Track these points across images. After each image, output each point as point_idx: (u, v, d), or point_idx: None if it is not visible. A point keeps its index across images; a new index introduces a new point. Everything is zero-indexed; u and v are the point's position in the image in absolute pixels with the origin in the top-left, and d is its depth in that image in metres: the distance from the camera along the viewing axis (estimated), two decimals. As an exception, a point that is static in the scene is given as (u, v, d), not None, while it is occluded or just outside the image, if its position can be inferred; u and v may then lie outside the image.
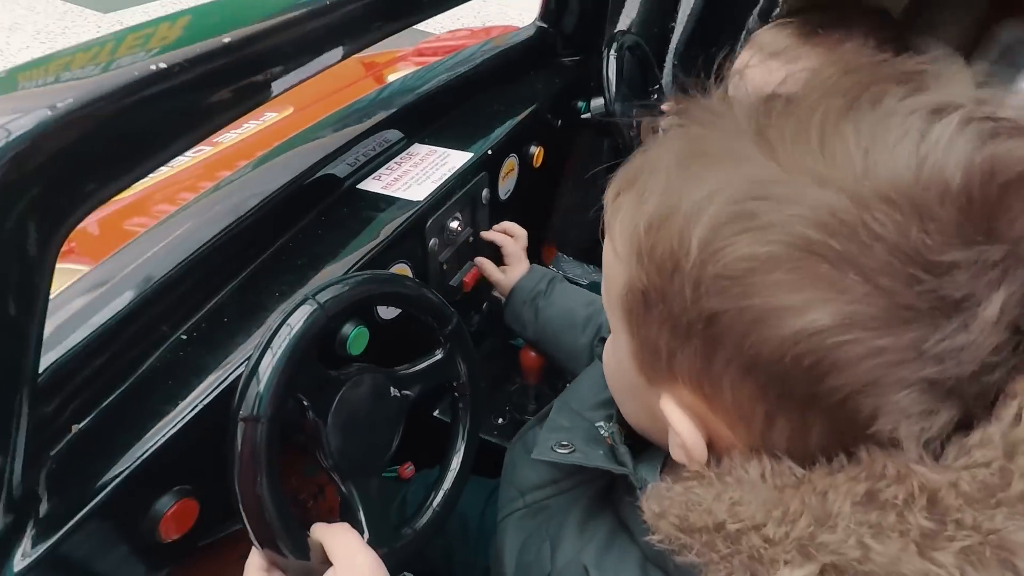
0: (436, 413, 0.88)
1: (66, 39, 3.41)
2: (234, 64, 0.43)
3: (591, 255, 1.35)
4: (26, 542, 0.39)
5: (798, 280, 0.26)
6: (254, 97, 0.47)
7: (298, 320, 0.45)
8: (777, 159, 0.28)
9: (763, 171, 0.28)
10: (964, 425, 0.28)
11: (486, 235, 0.83)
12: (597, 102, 0.96)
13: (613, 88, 0.91)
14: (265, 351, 0.44)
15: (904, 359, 0.26)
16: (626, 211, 0.33)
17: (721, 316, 0.28)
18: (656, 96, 1.10)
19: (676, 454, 0.35)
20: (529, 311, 0.78)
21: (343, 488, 0.48)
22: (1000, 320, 0.26)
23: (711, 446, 0.33)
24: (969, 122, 0.26)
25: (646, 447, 0.44)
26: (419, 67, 1.15)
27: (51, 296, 0.38)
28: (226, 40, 0.42)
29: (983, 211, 0.25)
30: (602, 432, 0.47)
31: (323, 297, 0.46)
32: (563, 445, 0.46)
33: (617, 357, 0.38)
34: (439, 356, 0.56)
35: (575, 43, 1.08)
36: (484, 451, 0.88)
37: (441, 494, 0.56)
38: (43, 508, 0.41)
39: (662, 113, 1.07)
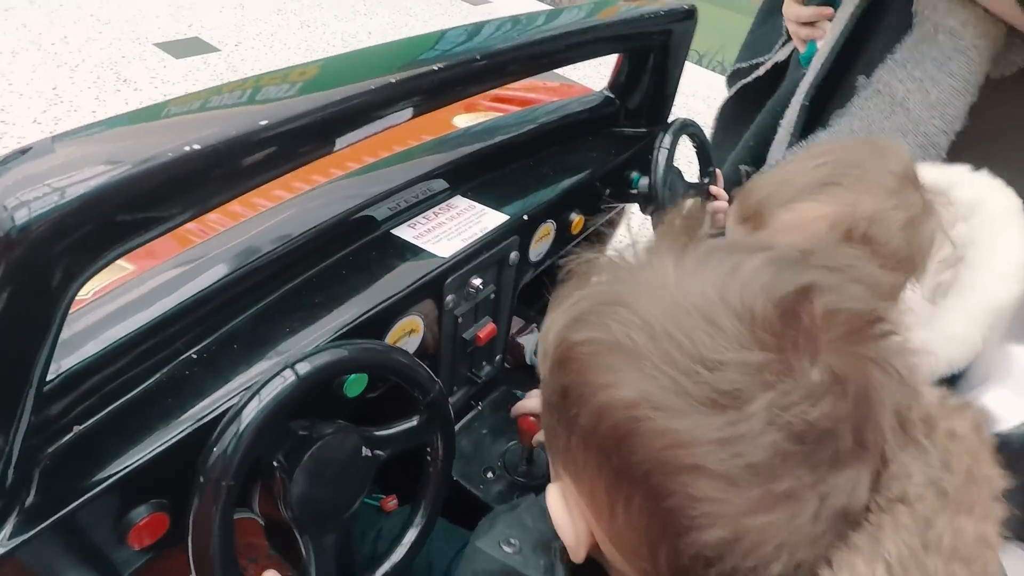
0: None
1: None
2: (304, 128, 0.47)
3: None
4: (6, 530, 0.43)
5: (617, 363, 0.32)
6: (316, 153, 0.51)
7: (273, 389, 0.48)
8: (634, 280, 0.35)
9: (618, 288, 0.35)
10: None
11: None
12: (645, 181, 0.96)
13: (661, 171, 0.91)
14: (238, 415, 0.47)
15: (689, 442, 0.30)
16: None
17: (569, 389, 0.34)
18: (708, 180, 1.10)
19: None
20: None
21: (299, 539, 0.50)
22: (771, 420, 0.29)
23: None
24: (774, 260, 0.33)
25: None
26: (488, 113, 1.19)
27: (87, 297, 0.42)
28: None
29: (763, 326, 0.30)
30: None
31: (302, 368, 0.48)
32: (511, 544, 0.48)
33: None
34: (416, 422, 0.58)
35: (638, 116, 1.10)
36: (465, 502, 0.89)
37: (387, 566, 0.57)
38: (29, 500, 0.45)
39: (709, 195, 1.07)
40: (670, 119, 1.11)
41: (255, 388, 0.48)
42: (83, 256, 0.40)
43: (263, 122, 0.45)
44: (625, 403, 0.31)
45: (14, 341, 0.40)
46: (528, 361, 1.39)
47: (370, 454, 0.55)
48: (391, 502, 0.75)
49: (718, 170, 1.10)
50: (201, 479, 0.46)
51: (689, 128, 0.98)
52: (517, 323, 1.45)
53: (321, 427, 0.52)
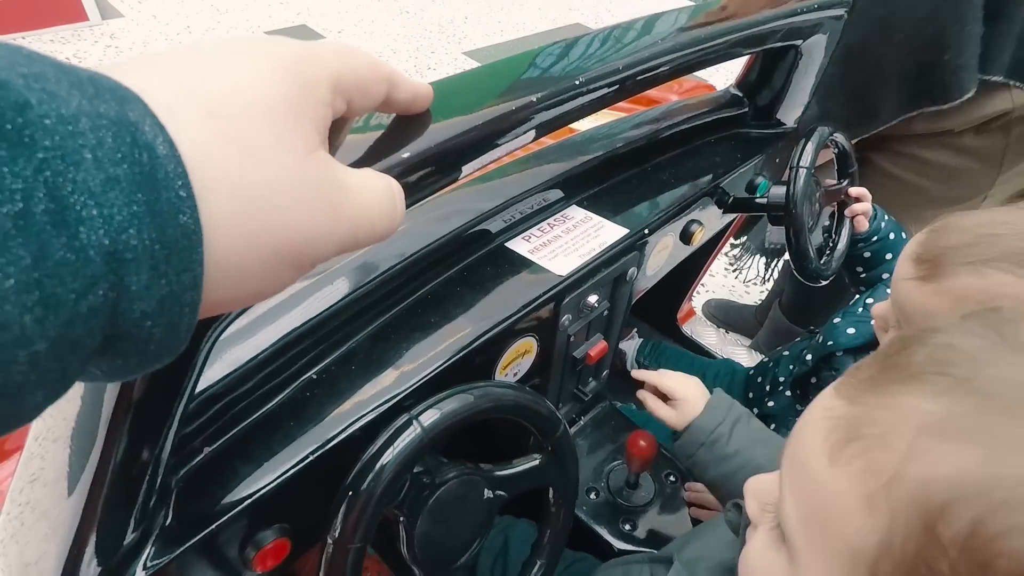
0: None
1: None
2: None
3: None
4: (146, 556, 0.44)
5: None
6: (447, 179, 0.48)
7: (400, 443, 0.46)
8: None
9: None
10: None
11: (644, 390, 0.77)
12: (778, 191, 0.88)
13: (801, 183, 0.83)
14: (364, 475, 0.46)
15: None
16: (900, 454, 0.27)
17: None
18: (848, 182, 1.00)
19: None
20: (706, 454, 0.70)
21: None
22: None
23: None
24: None
25: None
26: (607, 114, 1.13)
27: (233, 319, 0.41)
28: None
29: None
30: None
31: (426, 420, 0.46)
32: None
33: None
34: (539, 461, 0.55)
35: (767, 116, 1.00)
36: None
37: None
38: (167, 524, 0.46)
39: (847, 197, 0.96)
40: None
41: (378, 447, 0.46)
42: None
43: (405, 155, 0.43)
44: None
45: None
46: (628, 367, 1.34)
47: (492, 495, 0.52)
48: None
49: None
50: (330, 543, 0.45)
51: (836, 134, 0.88)
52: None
53: (444, 471, 0.50)
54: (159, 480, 0.43)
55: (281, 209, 0.22)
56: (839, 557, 0.29)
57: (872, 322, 0.71)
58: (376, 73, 0.28)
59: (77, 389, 0.38)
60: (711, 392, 0.74)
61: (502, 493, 0.53)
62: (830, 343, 0.92)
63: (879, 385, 0.29)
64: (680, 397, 0.73)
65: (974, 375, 0.27)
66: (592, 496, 0.89)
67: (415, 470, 0.49)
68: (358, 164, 0.36)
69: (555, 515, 0.57)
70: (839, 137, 0.89)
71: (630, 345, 1.36)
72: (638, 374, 0.78)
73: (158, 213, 0.18)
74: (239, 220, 0.21)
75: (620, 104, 1.10)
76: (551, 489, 0.56)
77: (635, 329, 1.42)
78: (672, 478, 0.91)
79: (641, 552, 0.78)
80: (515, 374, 0.71)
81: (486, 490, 0.52)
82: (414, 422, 0.46)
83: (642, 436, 0.82)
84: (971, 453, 0.25)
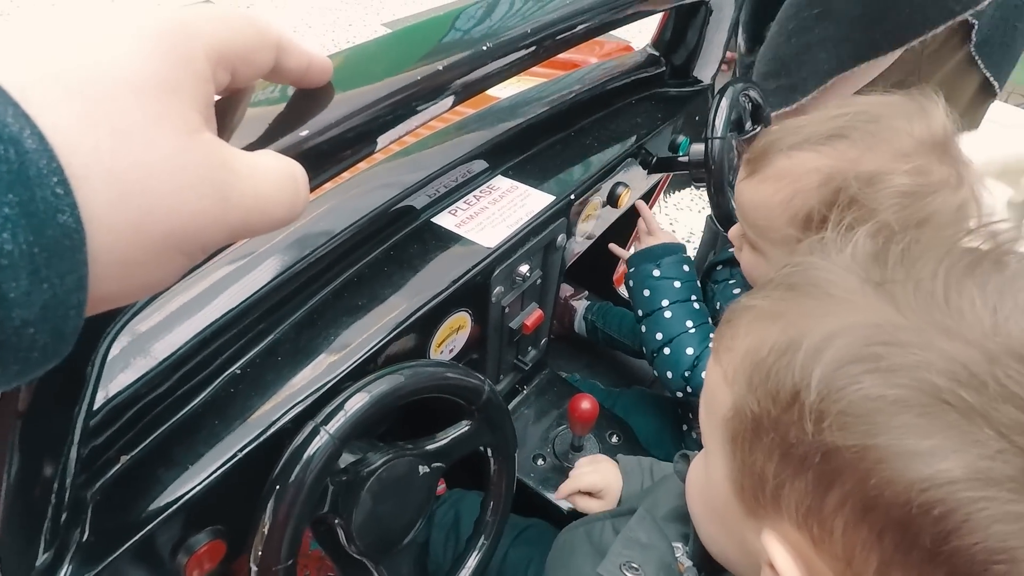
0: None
1: None
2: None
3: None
4: (64, 572, 0.42)
5: (927, 426, 0.26)
6: (359, 156, 0.46)
7: (308, 454, 0.45)
8: (900, 309, 0.29)
9: (887, 318, 0.29)
10: None
11: (572, 498, 0.79)
12: (698, 148, 0.89)
13: (718, 142, 0.84)
14: (280, 497, 0.44)
15: None
16: (739, 337, 0.35)
17: (842, 451, 0.28)
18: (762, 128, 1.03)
19: None
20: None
21: (375, 572, 0.48)
22: None
23: None
24: None
25: (720, 572, 0.43)
26: (524, 79, 1.11)
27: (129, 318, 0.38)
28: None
29: None
30: (678, 556, 0.47)
31: (332, 428, 0.45)
32: (633, 569, 0.46)
33: (710, 479, 0.38)
34: (468, 427, 0.55)
35: (684, 75, 1.02)
36: (517, 490, 0.87)
37: (467, 572, 0.55)
38: (84, 540, 0.43)
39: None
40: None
41: (283, 463, 0.45)
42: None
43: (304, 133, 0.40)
44: (952, 479, 0.25)
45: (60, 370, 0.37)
46: (576, 328, 1.36)
47: (429, 469, 0.52)
48: (439, 485, 0.74)
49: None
50: (255, 568, 0.44)
51: (749, 89, 0.90)
52: (566, 289, 1.41)
53: (369, 460, 0.49)
54: (67, 495, 0.40)
55: (163, 195, 0.20)
56: (719, 431, 0.36)
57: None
58: (261, 39, 0.26)
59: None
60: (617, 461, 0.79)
61: (439, 464, 0.53)
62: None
63: (748, 297, 0.37)
64: (603, 487, 0.77)
65: (800, 280, 0.34)
66: (539, 463, 0.90)
67: (337, 469, 0.48)
68: (255, 146, 0.34)
69: (498, 473, 0.57)
70: (752, 91, 0.91)
71: (580, 305, 1.37)
72: (560, 496, 0.81)
73: (33, 214, 0.16)
74: (118, 209, 0.19)
75: (541, 69, 1.09)
76: (489, 450, 0.56)
77: (585, 291, 1.43)
78: (615, 438, 0.94)
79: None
80: (451, 350, 0.70)
81: (420, 466, 0.51)
82: (321, 430, 0.45)
83: (584, 399, 0.83)
84: (775, 327, 0.32)
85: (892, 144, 0.59)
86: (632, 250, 0.96)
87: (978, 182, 0.60)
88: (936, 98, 0.61)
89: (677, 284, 0.90)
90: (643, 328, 0.91)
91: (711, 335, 0.87)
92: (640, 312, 0.91)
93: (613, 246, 0.97)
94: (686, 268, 0.92)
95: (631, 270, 0.94)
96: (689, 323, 0.87)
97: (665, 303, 0.89)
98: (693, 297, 0.90)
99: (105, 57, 0.20)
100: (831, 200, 0.59)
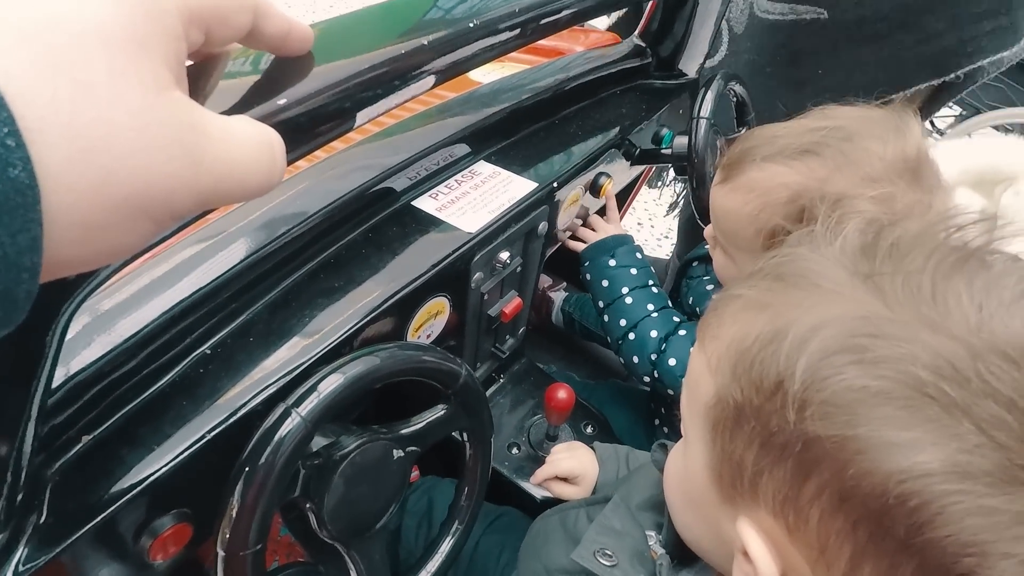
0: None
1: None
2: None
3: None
4: (18, 560, 0.40)
5: (908, 418, 0.27)
6: (339, 130, 0.44)
7: (279, 437, 0.43)
8: (887, 303, 0.29)
9: (873, 311, 0.29)
10: None
11: (548, 483, 0.79)
12: (681, 141, 0.89)
13: (702, 133, 0.84)
14: (249, 480, 0.43)
15: (1014, 526, 0.25)
16: (725, 326, 0.35)
17: (822, 441, 0.28)
18: (746, 130, 1.03)
19: None
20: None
21: (346, 557, 0.47)
22: None
23: None
24: None
25: (692, 560, 0.43)
26: (509, 65, 1.10)
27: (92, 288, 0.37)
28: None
29: None
30: (651, 544, 0.47)
31: (304, 410, 0.44)
32: (607, 555, 0.46)
33: (688, 467, 0.38)
34: (444, 411, 0.54)
35: (669, 68, 1.01)
36: (490, 478, 0.87)
37: (440, 556, 0.54)
38: (42, 522, 0.42)
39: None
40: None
41: (253, 446, 0.44)
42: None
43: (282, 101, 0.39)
44: (928, 472, 0.26)
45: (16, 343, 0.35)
46: (553, 319, 1.36)
47: (403, 453, 0.51)
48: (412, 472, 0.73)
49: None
50: (221, 553, 0.42)
51: (733, 81, 0.90)
52: (544, 280, 1.41)
53: (343, 443, 0.48)
54: (24, 474, 0.38)
55: (127, 154, 0.19)
56: (700, 419, 0.36)
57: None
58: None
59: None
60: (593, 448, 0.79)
61: (414, 449, 0.52)
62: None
63: (735, 286, 0.37)
64: (579, 473, 0.77)
65: (789, 270, 0.34)
66: (514, 451, 0.90)
67: (309, 452, 0.47)
68: (231, 111, 0.32)
69: (473, 458, 0.57)
70: (737, 87, 0.91)
71: (557, 296, 1.37)
72: (535, 480, 0.81)
73: None
74: (78, 166, 0.18)
75: (526, 56, 1.08)
76: (465, 435, 0.56)
77: (564, 283, 1.43)
78: (590, 428, 0.94)
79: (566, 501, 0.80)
80: (428, 335, 0.69)
81: (395, 450, 0.50)
82: (292, 412, 0.44)
83: (560, 388, 0.82)
84: (761, 317, 0.32)
85: (862, 167, 0.58)
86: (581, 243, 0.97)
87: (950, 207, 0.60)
88: (915, 117, 0.60)
89: (634, 271, 0.92)
90: (606, 318, 0.92)
91: (674, 318, 0.89)
92: (601, 303, 0.93)
93: (569, 241, 0.97)
94: (639, 256, 0.95)
95: (586, 264, 0.95)
96: (650, 306, 0.90)
97: (625, 290, 0.91)
98: (651, 282, 0.92)
99: (69, 4, 0.18)
100: (796, 217, 0.59)
